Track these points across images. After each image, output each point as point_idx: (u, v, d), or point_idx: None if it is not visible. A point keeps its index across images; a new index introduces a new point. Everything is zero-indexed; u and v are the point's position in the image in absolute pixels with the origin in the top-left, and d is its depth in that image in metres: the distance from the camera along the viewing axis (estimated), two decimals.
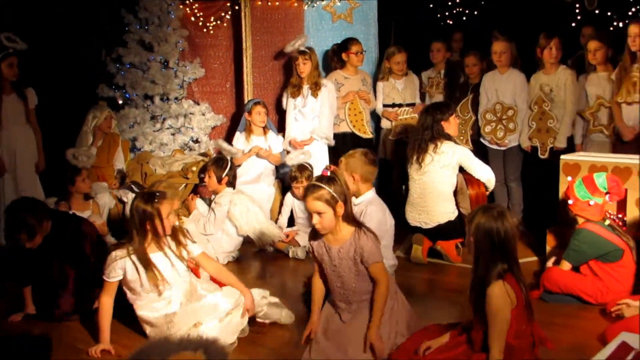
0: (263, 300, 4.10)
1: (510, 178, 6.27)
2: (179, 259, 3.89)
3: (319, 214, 3.49)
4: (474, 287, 3.12)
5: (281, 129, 6.60)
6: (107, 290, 3.85)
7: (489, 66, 6.45)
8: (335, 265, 3.61)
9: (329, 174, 3.58)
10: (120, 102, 6.89)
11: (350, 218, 3.57)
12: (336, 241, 3.59)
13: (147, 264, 3.80)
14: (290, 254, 5.68)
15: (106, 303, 3.85)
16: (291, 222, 6.14)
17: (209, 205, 5.75)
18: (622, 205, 4.80)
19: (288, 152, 6.34)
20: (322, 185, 3.50)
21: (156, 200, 3.79)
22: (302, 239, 5.73)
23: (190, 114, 6.96)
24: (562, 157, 5.21)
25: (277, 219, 6.12)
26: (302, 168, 5.97)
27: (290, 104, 6.45)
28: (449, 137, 5.35)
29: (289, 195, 6.09)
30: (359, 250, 3.51)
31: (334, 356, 3.50)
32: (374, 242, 3.52)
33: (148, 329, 3.89)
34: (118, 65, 6.83)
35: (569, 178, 4.80)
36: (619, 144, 5.64)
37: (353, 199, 4.36)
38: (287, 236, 5.82)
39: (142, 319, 3.90)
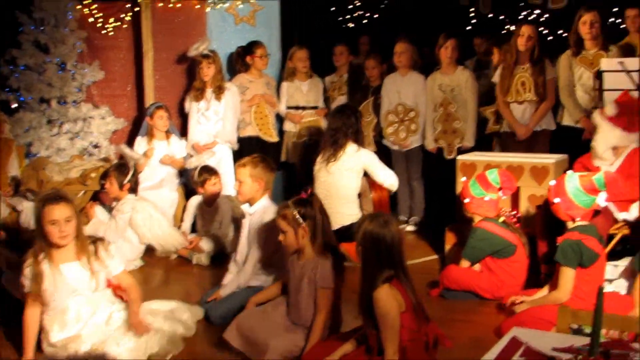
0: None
1: (413, 177, 6.42)
2: (96, 272, 3.71)
3: (283, 232, 3.62)
4: (362, 293, 3.18)
5: (184, 132, 6.49)
6: (27, 302, 3.66)
7: (389, 69, 6.58)
8: (294, 279, 3.67)
9: (306, 196, 3.66)
10: (15, 105, 6.60)
11: (319, 243, 3.61)
12: (303, 257, 3.66)
13: (38, 274, 3.60)
14: (194, 260, 5.60)
15: (28, 315, 3.65)
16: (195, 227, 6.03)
17: (110, 212, 5.61)
18: (515, 202, 5.01)
19: (191, 156, 6.24)
20: (291, 205, 3.61)
21: (48, 202, 3.59)
22: (206, 244, 5.66)
23: (90, 117, 6.74)
24: (459, 157, 5.37)
25: (180, 225, 6.02)
26: (208, 169, 5.90)
27: (194, 108, 6.36)
28: (355, 140, 5.42)
29: (192, 200, 5.98)
30: (315, 270, 3.56)
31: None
32: (331, 268, 3.56)
33: (48, 349, 3.69)
34: (12, 67, 6.55)
35: (464, 178, 4.95)
36: (509, 143, 5.86)
37: (247, 206, 4.37)
38: (191, 242, 5.71)
39: (44, 337, 3.70)
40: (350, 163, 5.37)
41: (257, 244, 4.30)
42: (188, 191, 6.30)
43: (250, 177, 4.29)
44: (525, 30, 5.68)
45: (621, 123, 4.64)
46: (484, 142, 6.22)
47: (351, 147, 5.39)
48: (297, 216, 3.58)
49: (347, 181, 5.39)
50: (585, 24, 5.52)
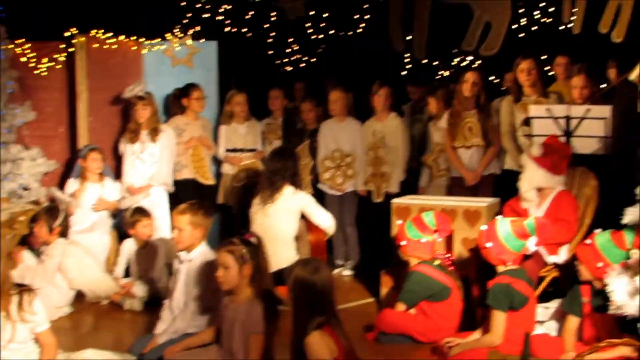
0: None
1: (347, 222, 6.44)
2: (15, 324, 3.53)
3: (225, 267, 3.58)
4: (293, 340, 3.17)
5: (119, 174, 6.36)
6: None
7: (325, 113, 6.65)
8: (227, 323, 3.64)
9: (252, 239, 3.68)
10: None
11: (258, 286, 3.60)
12: (237, 298, 3.63)
13: None
14: (127, 306, 5.44)
15: None
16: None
17: (38, 257, 5.43)
18: (449, 245, 5.07)
19: (125, 199, 6.13)
20: (238, 242, 3.62)
21: None
22: (139, 289, 5.52)
23: (20, 159, 6.57)
24: (393, 200, 5.40)
25: (113, 269, 5.88)
26: (141, 210, 5.81)
27: (128, 150, 6.27)
28: (293, 182, 5.42)
29: (126, 243, 5.87)
30: (248, 314, 3.54)
31: None
32: (263, 313, 3.54)
33: None
34: None
35: (399, 221, 4.97)
36: (456, 187, 5.96)
37: (184, 253, 4.29)
38: (123, 287, 5.55)
39: None
40: (288, 205, 5.36)
41: (197, 291, 4.22)
42: (121, 234, 6.15)
43: (190, 225, 4.20)
44: (470, 76, 5.80)
45: (546, 164, 4.76)
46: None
47: (288, 189, 5.38)
48: (245, 254, 3.58)
49: (284, 223, 5.37)
50: (523, 71, 5.66)
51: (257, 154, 6.74)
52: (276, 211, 5.36)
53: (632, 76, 4.93)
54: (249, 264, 3.58)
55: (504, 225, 4.16)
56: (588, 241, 4.05)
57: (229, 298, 3.68)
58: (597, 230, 4.08)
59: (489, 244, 4.12)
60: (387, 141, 6.31)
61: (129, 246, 5.83)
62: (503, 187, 5.69)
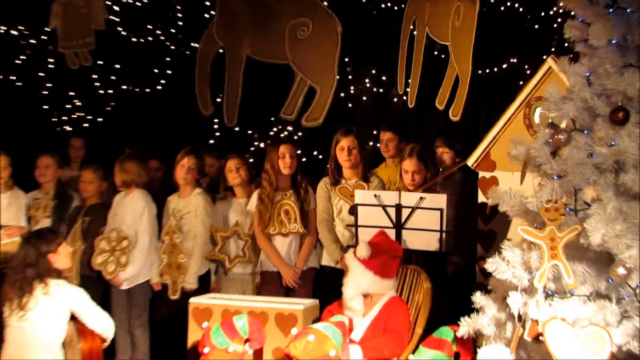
0: None
1: (135, 324, 6.05)
2: None
3: None
4: None
5: None
6: None
7: (113, 186, 6.32)
8: None
9: None
10: None
11: None
12: None
13: None
14: None
15: None
16: None
17: None
18: (258, 357, 4.83)
19: None
20: None
21: None
22: None
23: None
24: (191, 300, 5.05)
25: None
26: None
27: None
28: (59, 274, 4.99)
29: None
30: None
31: None
32: None
33: None
34: None
35: (205, 323, 4.75)
36: (270, 284, 5.73)
37: None
38: None
39: None
40: (54, 303, 4.89)
41: None
42: None
43: None
44: (285, 150, 5.64)
45: (374, 266, 4.62)
46: None
47: (54, 284, 4.89)
48: None
49: (49, 326, 4.90)
50: (343, 150, 5.52)
51: (14, 231, 6.20)
52: (38, 312, 4.86)
53: (471, 161, 5.09)
54: None
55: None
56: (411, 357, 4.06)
57: None
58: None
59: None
60: (186, 223, 6.02)
61: None
62: (322, 286, 5.59)
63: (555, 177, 3.66)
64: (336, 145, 5.61)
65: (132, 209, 6.08)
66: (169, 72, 7.62)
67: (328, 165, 5.78)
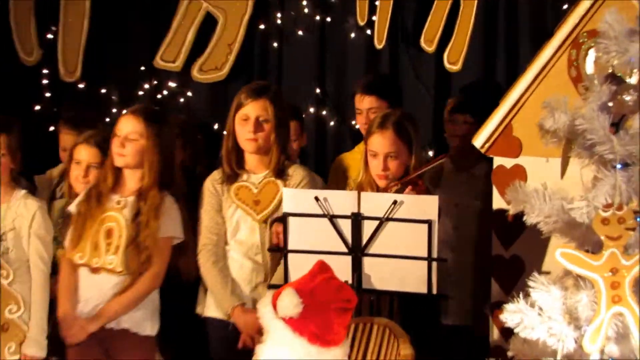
0: None
1: None
2: None
3: None
4: None
5: None
6: None
7: None
8: None
9: None
10: None
11: None
12: None
13: None
14: None
15: None
16: None
17: None
18: None
19: None
20: None
21: None
22: None
23: None
24: None
25: None
26: None
27: None
28: None
29: None
30: None
31: None
32: None
33: None
34: None
35: None
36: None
37: None
38: None
39: None
40: None
41: None
42: None
43: None
44: (132, 127, 4.00)
45: (306, 330, 3.15)
46: None
47: None
48: None
49: None
50: (247, 121, 3.86)
51: None
52: None
53: (479, 140, 3.54)
54: None
55: None
56: None
57: None
58: None
59: None
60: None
61: None
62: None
63: (619, 166, 2.75)
64: (236, 114, 3.82)
65: None
66: None
67: (222, 150, 4.00)
